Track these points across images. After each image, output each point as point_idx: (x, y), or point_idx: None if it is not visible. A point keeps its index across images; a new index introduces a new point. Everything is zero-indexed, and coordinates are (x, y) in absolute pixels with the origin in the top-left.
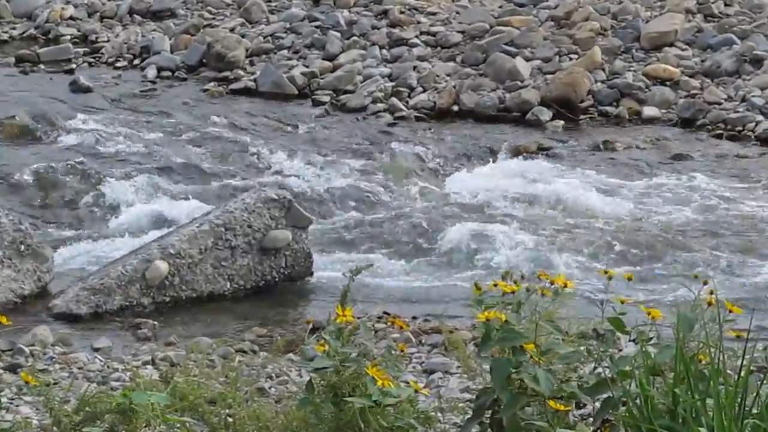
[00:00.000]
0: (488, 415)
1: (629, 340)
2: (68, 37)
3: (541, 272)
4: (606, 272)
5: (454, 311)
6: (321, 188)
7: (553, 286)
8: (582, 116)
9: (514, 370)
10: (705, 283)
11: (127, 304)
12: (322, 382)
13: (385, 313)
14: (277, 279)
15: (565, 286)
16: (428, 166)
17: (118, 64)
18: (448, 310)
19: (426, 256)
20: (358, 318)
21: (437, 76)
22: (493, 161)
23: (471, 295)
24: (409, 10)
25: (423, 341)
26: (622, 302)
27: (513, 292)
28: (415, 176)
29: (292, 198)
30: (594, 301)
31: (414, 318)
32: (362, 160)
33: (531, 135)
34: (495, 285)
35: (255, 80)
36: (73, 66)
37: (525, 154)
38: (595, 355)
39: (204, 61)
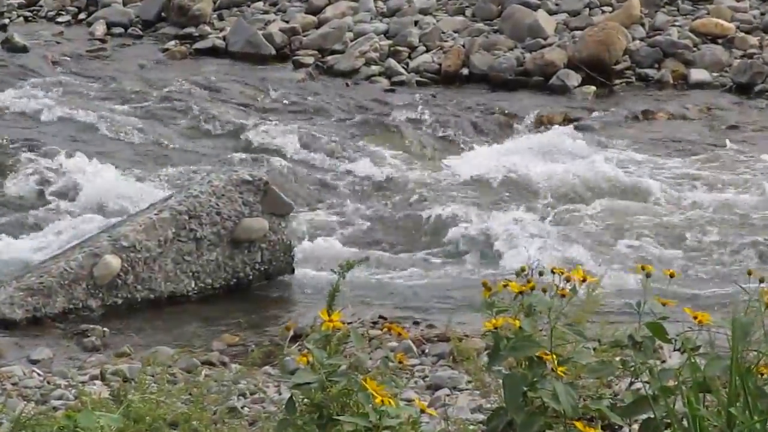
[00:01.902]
0: None
1: (673, 350)
2: None
3: (555, 267)
4: (643, 268)
5: (463, 315)
6: (304, 168)
7: (568, 283)
8: (617, 81)
9: (528, 386)
10: (762, 281)
11: (71, 307)
12: (305, 399)
13: (381, 317)
14: (251, 277)
15: (584, 280)
16: (432, 142)
17: (60, 19)
18: (457, 314)
19: (430, 249)
20: (349, 323)
21: (443, 32)
22: (510, 136)
23: (480, 297)
24: None
25: (426, 351)
26: (664, 304)
27: (526, 292)
28: (417, 154)
29: (269, 180)
30: (629, 302)
31: (416, 323)
32: (353, 135)
33: (556, 104)
34: (506, 285)
35: (224, 38)
36: (6, 21)
37: (548, 127)
38: (632, 368)
39: (163, 15)
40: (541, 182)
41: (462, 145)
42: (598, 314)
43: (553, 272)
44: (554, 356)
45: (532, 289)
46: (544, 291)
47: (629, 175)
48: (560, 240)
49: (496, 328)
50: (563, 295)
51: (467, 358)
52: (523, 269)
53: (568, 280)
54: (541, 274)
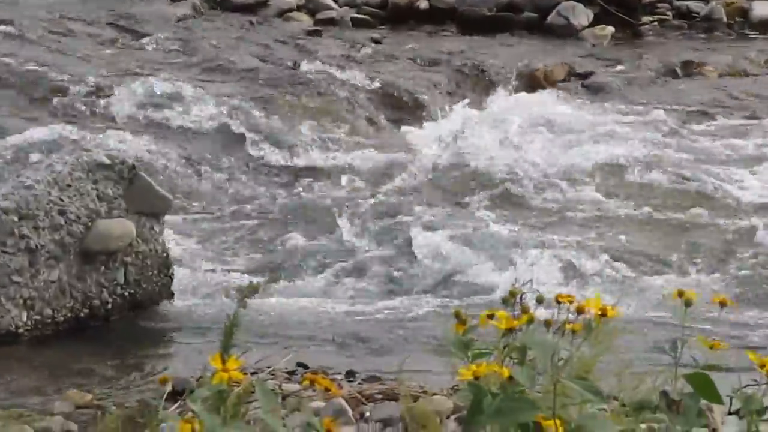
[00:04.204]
0: None
1: (728, 413)
2: None
3: (561, 295)
4: (681, 294)
5: (422, 361)
6: (188, 148)
7: (581, 317)
8: (646, 18)
9: None
10: None
11: None
12: None
13: (301, 364)
14: (110, 305)
15: (604, 314)
16: (375, 111)
17: None
18: (414, 359)
19: (372, 264)
20: (253, 374)
21: None
22: (488, 101)
23: (449, 334)
24: None
25: (367, 415)
26: (712, 347)
27: (519, 328)
28: (353, 128)
29: (136, 163)
30: (661, 341)
31: (351, 374)
32: (259, 99)
33: (557, 52)
34: (491, 316)
35: None
36: None
37: (544, 87)
38: None
39: None
40: (532, 170)
41: (418, 116)
42: (614, 358)
43: (557, 301)
44: (558, 423)
45: (529, 323)
46: (547, 325)
47: (659, 159)
48: (561, 250)
49: (475, 379)
50: (573, 333)
51: (426, 425)
52: (512, 294)
53: (579, 312)
54: (539, 301)
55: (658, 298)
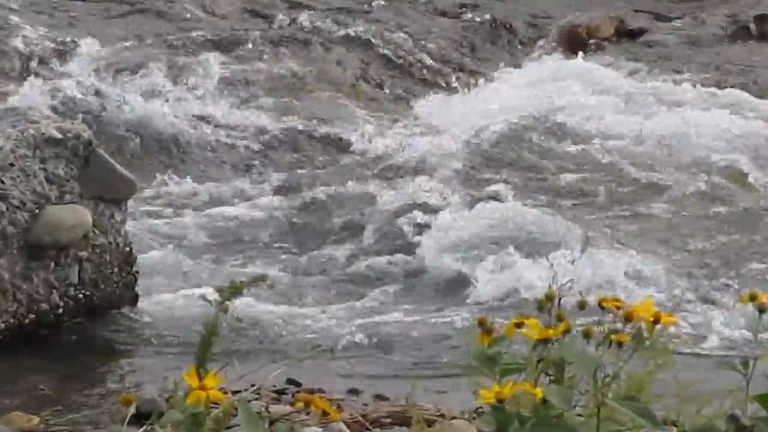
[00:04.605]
0: None
1: None
2: None
3: (607, 299)
4: (754, 298)
5: (438, 379)
6: (154, 121)
7: (629, 325)
8: None
9: None
10: None
11: None
12: None
13: (292, 382)
14: (62, 310)
15: (657, 322)
16: (377, 77)
17: None
18: (427, 377)
19: (381, 262)
20: (234, 393)
21: None
22: (518, 65)
23: (471, 347)
24: None
25: None
26: None
27: (555, 339)
28: (358, 97)
29: (92, 137)
30: (730, 356)
31: (354, 393)
32: (242, 58)
33: (602, 2)
34: (519, 324)
35: None
36: None
37: (587, 48)
38: None
39: None
40: (572, 148)
41: (433, 82)
42: (672, 376)
43: (601, 306)
44: None
45: (566, 332)
46: (587, 336)
47: (726, 135)
48: (609, 249)
49: (500, 401)
50: (620, 344)
51: None
52: (548, 297)
53: (628, 319)
54: (581, 307)
55: (728, 304)
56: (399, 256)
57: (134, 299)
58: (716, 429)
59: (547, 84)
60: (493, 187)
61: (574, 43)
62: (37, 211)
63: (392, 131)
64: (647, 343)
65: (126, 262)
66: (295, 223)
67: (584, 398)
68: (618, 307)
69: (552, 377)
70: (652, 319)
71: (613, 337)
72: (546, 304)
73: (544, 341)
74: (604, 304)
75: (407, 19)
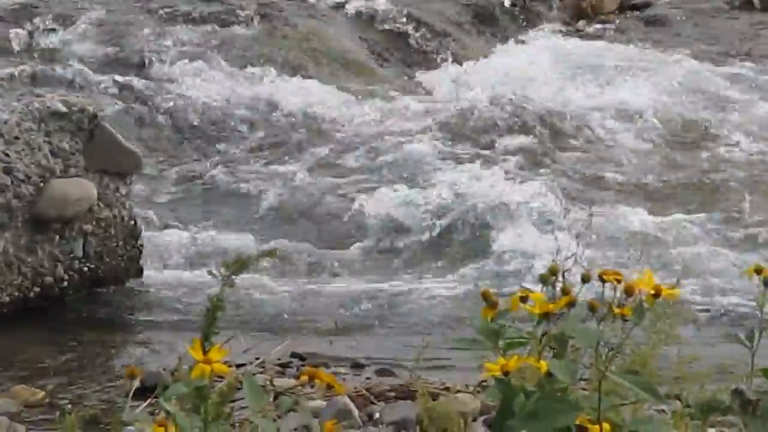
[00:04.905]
0: None
1: None
2: None
3: (607, 271)
4: (759, 271)
5: (442, 352)
6: (161, 94)
7: (629, 299)
8: None
9: None
10: None
11: None
12: None
13: (297, 355)
14: (66, 283)
15: (657, 295)
16: (388, 51)
17: None
18: (431, 349)
19: (386, 235)
20: (240, 366)
21: None
22: (524, 36)
23: (475, 320)
24: None
25: (377, 416)
26: None
27: (559, 312)
28: (362, 70)
29: (97, 112)
30: (735, 329)
31: (358, 366)
32: (248, 37)
33: None
34: (524, 297)
35: None
36: None
37: (591, 19)
38: None
39: None
40: (578, 120)
41: (437, 55)
42: (676, 350)
43: (602, 279)
44: (606, 427)
45: (570, 306)
46: (592, 309)
47: (734, 120)
48: (615, 220)
49: (505, 374)
50: (624, 319)
51: (448, 429)
52: (552, 271)
53: (629, 293)
54: (584, 280)
55: (733, 276)
56: (402, 231)
57: (139, 272)
58: (720, 403)
59: (549, 58)
60: (497, 154)
61: (577, 16)
62: (41, 184)
63: (394, 104)
64: (648, 316)
65: (131, 236)
66: (299, 199)
67: (589, 372)
68: (618, 280)
69: (556, 352)
70: (652, 292)
71: (614, 310)
72: (549, 277)
73: (545, 315)
74: (604, 277)
75: None
